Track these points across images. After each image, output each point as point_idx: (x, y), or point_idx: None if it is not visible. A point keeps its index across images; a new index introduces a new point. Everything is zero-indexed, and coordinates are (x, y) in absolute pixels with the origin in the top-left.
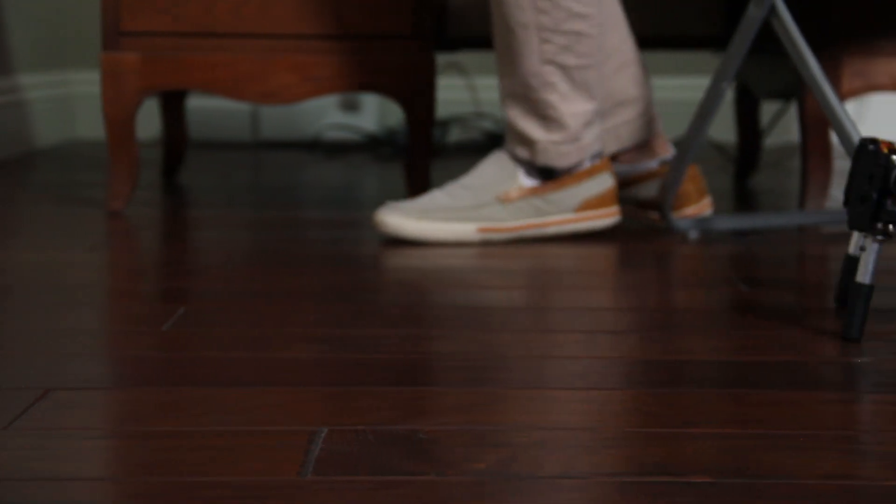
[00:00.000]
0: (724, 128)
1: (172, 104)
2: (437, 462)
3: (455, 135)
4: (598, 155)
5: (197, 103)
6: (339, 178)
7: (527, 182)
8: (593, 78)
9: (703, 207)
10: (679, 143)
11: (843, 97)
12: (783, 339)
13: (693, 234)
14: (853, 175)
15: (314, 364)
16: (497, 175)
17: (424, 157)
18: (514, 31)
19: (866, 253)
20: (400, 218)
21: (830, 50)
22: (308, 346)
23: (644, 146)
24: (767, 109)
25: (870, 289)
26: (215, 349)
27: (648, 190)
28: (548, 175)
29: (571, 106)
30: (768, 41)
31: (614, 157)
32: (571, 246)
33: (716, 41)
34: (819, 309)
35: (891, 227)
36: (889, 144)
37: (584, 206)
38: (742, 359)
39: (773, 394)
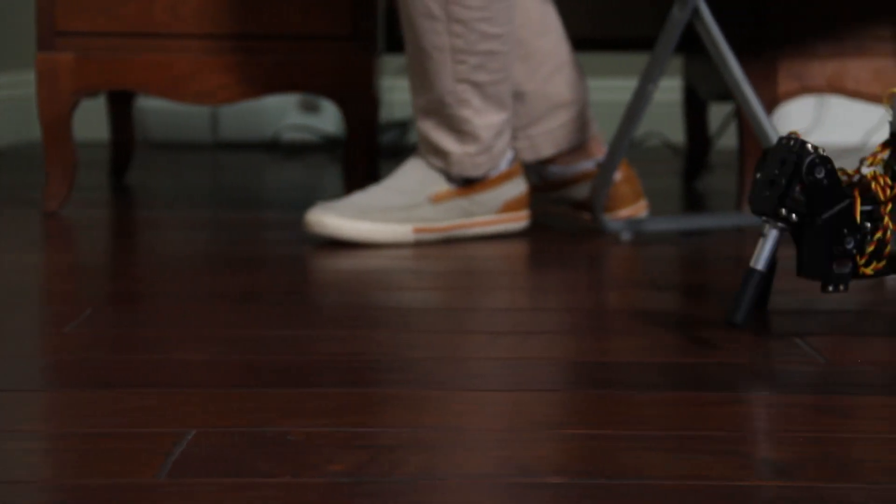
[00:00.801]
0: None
1: (120, 105)
2: (296, 464)
3: (415, 136)
4: (513, 159)
5: (156, 104)
6: (294, 178)
7: (450, 185)
8: (505, 90)
9: (638, 209)
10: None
11: (778, 99)
12: (678, 341)
13: (625, 236)
14: (763, 162)
15: (202, 366)
16: (425, 177)
17: (364, 158)
18: (429, 54)
19: (764, 239)
20: (337, 218)
21: (766, 52)
22: (202, 347)
23: (580, 148)
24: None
25: (761, 275)
26: (107, 351)
27: (584, 191)
28: (465, 181)
29: (485, 119)
30: None
31: (551, 160)
32: (501, 246)
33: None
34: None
35: (794, 215)
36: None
37: (505, 208)
38: (638, 360)
39: (659, 395)
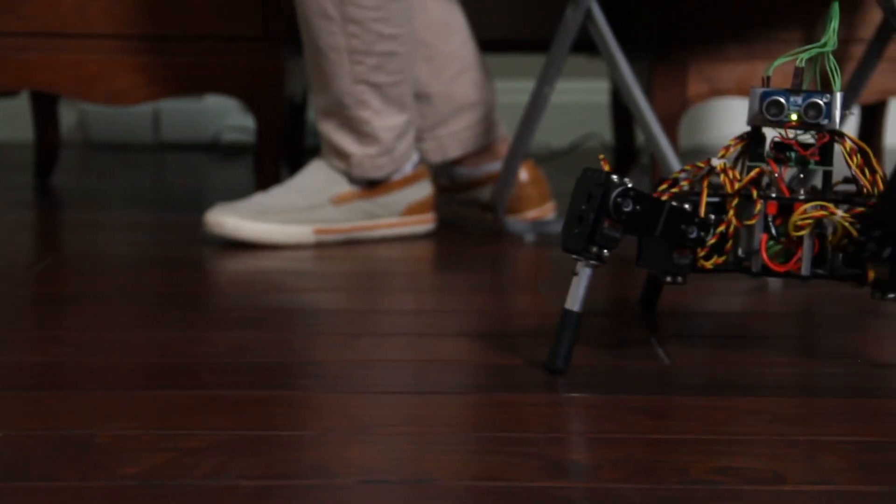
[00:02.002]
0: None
1: (44, 105)
2: (90, 466)
3: None
4: (418, 162)
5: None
6: (230, 179)
7: (353, 187)
8: (405, 91)
9: (545, 211)
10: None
11: (689, 101)
12: (537, 343)
13: (529, 238)
14: (573, 195)
15: (48, 367)
16: (327, 178)
17: (273, 158)
18: (325, 54)
19: (577, 278)
20: (237, 219)
21: (677, 54)
22: (56, 349)
23: (487, 149)
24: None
25: (578, 317)
26: None
27: (490, 193)
28: (368, 183)
29: (385, 120)
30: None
31: (458, 161)
32: (405, 248)
33: (594, 45)
34: (595, 313)
35: (605, 251)
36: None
37: (408, 211)
38: (495, 362)
39: (497, 397)
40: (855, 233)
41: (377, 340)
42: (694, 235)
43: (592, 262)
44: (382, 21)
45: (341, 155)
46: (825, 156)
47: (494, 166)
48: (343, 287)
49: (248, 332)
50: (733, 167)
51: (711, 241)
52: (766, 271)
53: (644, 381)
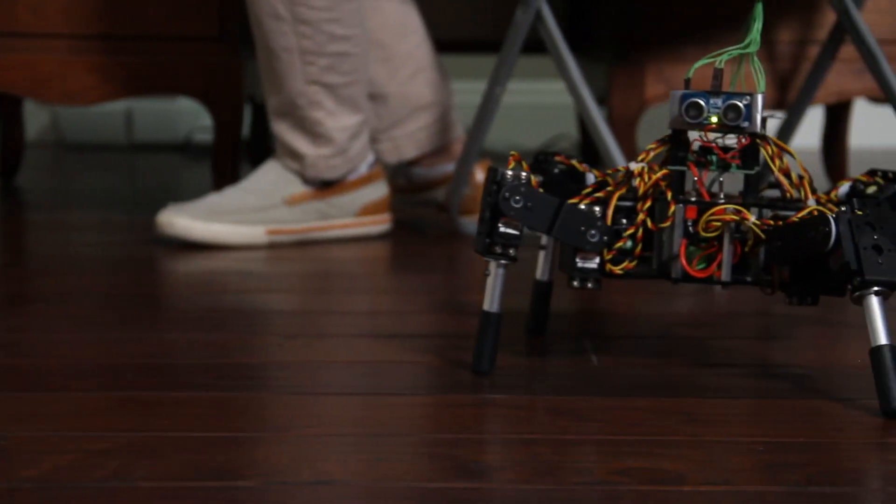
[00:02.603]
0: None
1: (7, 105)
2: None
3: None
4: (374, 163)
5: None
6: (199, 179)
7: (306, 187)
8: (359, 92)
9: None
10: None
11: (646, 102)
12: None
13: None
14: (482, 195)
15: None
16: (280, 178)
17: (231, 158)
18: (277, 55)
19: (491, 278)
20: (188, 220)
21: (634, 56)
22: None
23: (444, 150)
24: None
25: (497, 317)
26: None
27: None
28: (322, 184)
29: (338, 121)
30: (582, 46)
31: (414, 162)
32: (359, 249)
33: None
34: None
35: (511, 250)
36: (564, 158)
37: (363, 212)
38: (431, 363)
39: (420, 398)
40: (763, 237)
41: (309, 341)
42: (595, 239)
43: (501, 261)
44: (334, 22)
45: (295, 155)
46: (748, 159)
47: (451, 167)
48: (293, 288)
49: (190, 334)
50: (649, 170)
51: (619, 244)
52: (686, 277)
53: (569, 383)
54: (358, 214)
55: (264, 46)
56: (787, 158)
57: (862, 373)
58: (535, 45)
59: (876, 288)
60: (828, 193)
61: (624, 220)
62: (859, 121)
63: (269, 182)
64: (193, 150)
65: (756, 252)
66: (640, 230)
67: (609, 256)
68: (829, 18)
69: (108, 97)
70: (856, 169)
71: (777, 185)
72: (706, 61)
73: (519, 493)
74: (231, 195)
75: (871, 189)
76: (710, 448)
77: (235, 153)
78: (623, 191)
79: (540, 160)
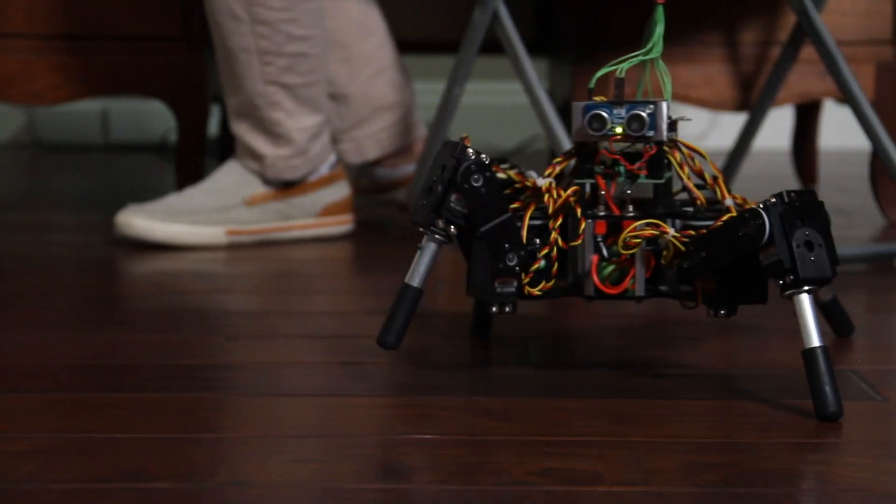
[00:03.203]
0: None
1: None
2: None
3: None
4: (336, 163)
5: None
6: (171, 180)
7: (267, 188)
8: (319, 92)
9: None
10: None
11: None
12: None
13: None
14: (430, 168)
15: None
16: (240, 179)
17: (195, 158)
18: (235, 55)
19: (421, 253)
20: (147, 220)
21: (598, 56)
22: None
23: (406, 150)
24: None
25: (416, 292)
26: None
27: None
28: (283, 184)
29: (298, 121)
30: (550, 47)
31: (377, 162)
32: (320, 249)
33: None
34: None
35: (452, 227)
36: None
37: (325, 212)
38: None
39: (349, 399)
40: (683, 249)
41: (259, 342)
42: (514, 262)
43: (438, 237)
44: (292, 22)
45: (255, 156)
46: (655, 168)
47: (414, 167)
48: (252, 289)
49: (144, 334)
50: (557, 186)
51: (535, 265)
52: (599, 294)
53: (505, 384)
54: (319, 215)
55: (223, 47)
56: (698, 160)
57: (789, 373)
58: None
59: (808, 287)
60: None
61: (537, 240)
62: (829, 122)
63: (228, 182)
64: (169, 151)
65: (672, 263)
66: (555, 249)
67: (527, 279)
68: (791, 20)
69: (72, 97)
70: (825, 170)
71: (686, 192)
72: (608, 69)
73: (432, 494)
74: (191, 195)
75: None
76: (632, 448)
77: (199, 153)
78: (533, 209)
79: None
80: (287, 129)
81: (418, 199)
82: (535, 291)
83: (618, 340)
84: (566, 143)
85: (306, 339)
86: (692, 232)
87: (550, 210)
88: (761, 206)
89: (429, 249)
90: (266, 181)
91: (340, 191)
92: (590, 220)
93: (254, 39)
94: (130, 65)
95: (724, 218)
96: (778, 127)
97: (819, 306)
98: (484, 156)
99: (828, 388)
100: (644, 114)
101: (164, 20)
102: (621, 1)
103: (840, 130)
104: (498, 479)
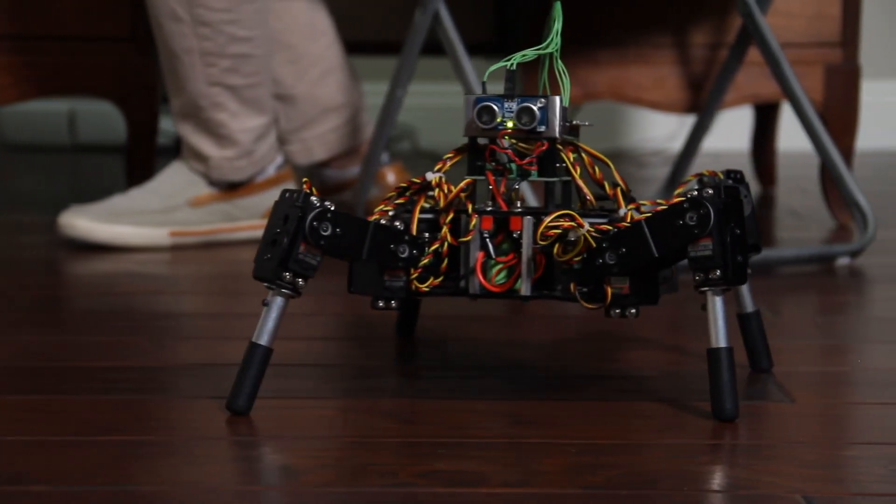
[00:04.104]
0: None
1: None
2: None
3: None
4: (282, 164)
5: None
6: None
7: (212, 189)
8: (263, 93)
9: None
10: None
11: None
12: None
13: None
14: (269, 218)
15: None
16: (185, 180)
17: (145, 159)
18: (178, 56)
19: (267, 309)
20: (90, 221)
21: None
22: None
23: (355, 152)
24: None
25: (265, 352)
26: None
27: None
28: (229, 185)
29: (242, 123)
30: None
31: (325, 163)
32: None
33: (486, 48)
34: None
35: (301, 281)
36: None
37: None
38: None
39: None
40: (594, 245)
41: (179, 343)
42: (406, 255)
43: (285, 291)
44: (234, 23)
45: (200, 157)
46: (547, 166)
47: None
48: (193, 290)
49: (80, 336)
50: (448, 181)
51: (425, 261)
52: (484, 293)
53: (416, 385)
54: (265, 216)
55: (165, 48)
56: (600, 167)
57: (702, 374)
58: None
59: (728, 287)
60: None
61: (426, 235)
62: (789, 124)
63: (173, 183)
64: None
65: (573, 261)
66: (445, 244)
67: (416, 274)
68: (740, 22)
69: (21, 98)
70: (785, 172)
71: (578, 191)
72: (502, 64)
73: (312, 495)
74: (135, 196)
75: None
76: (524, 450)
77: (149, 154)
78: (423, 203)
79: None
80: (231, 131)
81: (261, 253)
82: (423, 287)
83: (541, 342)
84: None
85: (241, 342)
86: (608, 227)
87: (441, 204)
88: (704, 196)
89: (276, 305)
90: (211, 182)
91: None
92: (476, 216)
93: (196, 41)
94: (79, 66)
95: (659, 209)
96: (739, 128)
97: (739, 318)
98: (328, 203)
99: (727, 390)
100: (535, 107)
101: (113, 21)
102: (572, 2)
103: (800, 132)
104: (383, 481)
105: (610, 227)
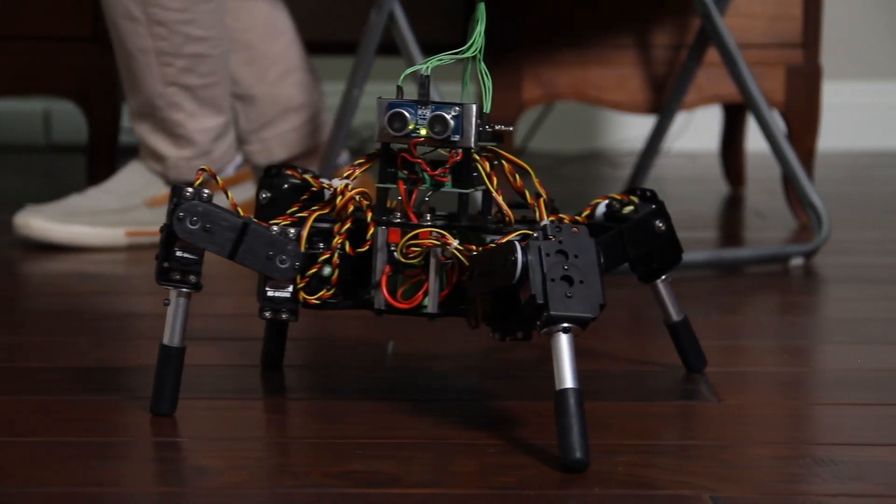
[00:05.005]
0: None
1: None
2: None
3: None
4: (241, 164)
5: None
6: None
7: (169, 189)
8: (220, 93)
9: None
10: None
11: (524, 105)
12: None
13: None
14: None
15: None
16: (142, 180)
17: (106, 160)
18: (133, 56)
19: (170, 309)
20: (45, 221)
21: (511, 58)
22: None
23: (315, 152)
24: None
25: (179, 352)
26: None
27: None
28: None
29: (199, 123)
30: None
31: (286, 163)
32: None
33: (456, 48)
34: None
35: (192, 276)
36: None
37: None
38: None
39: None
40: (467, 263)
41: (123, 344)
42: (285, 266)
43: (182, 288)
44: (190, 23)
45: (157, 157)
46: (462, 177)
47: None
48: (150, 290)
49: (35, 337)
50: (353, 188)
51: (313, 270)
52: (389, 308)
53: (354, 386)
54: None
55: (121, 47)
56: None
57: (623, 376)
58: (444, 48)
59: (564, 325)
60: (580, 214)
61: (321, 245)
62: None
63: (130, 183)
64: (128, 151)
65: (462, 279)
66: (337, 255)
67: (302, 284)
68: (700, 22)
69: None
70: (755, 173)
71: (518, 204)
72: (418, 67)
73: (219, 496)
74: (92, 196)
75: (628, 209)
76: (444, 450)
77: (110, 154)
78: (323, 211)
79: (271, 174)
80: (188, 131)
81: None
82: (313, 300)
83: (468, 343)
84: None
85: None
86: (473, 247)
87: (335, 212)
88: (519, 239)
89: (178, 304)
90: (169, 182)
91: (246, 192)
92: (382, 228)
93: (151, 40)
94: (41, 65)
95: (501, 241)
96: (715, 130)
97: (668, 327)
98: (206, 191)
99: (575, 434)
100: (448, 116)
101: (74, 21)
102: (535, 4)
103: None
104: (295, 482)
105: (475, 248)
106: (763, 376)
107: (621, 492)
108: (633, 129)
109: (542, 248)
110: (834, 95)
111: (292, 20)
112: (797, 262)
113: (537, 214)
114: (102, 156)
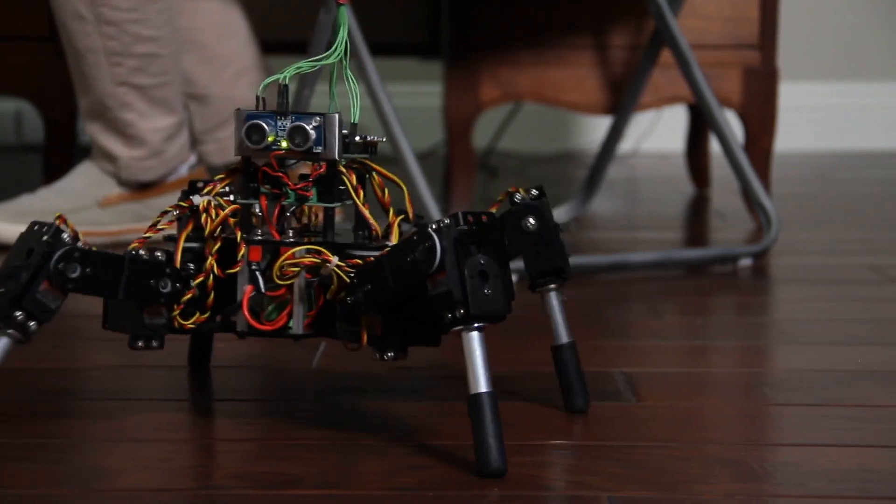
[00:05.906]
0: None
1: None
2: None
3: None
4: (195, 164)
5: None
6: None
7: (122, 189)
8: (172, 93)
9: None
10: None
11: (482, 105)
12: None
13: None
14: (12, 248)
15: None
16: (94, 180)
17: (62, 160)
18: (83, 56)
19: None
20: None
21: (469, 59)
22: None
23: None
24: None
25: None
26: None
27: None
28: (140, 185)
29: (151, 123)
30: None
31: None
32: None
33: (422, 48)
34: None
35: (33, 324)
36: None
37: None
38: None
39: (94, 404)
40: (348, 280)
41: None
42: (168, 290)
43: (10, 331)
44: (139, 23)
45: (109, 157)
46: (327, 191)
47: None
48: None
49: None
50: (218, 205)
51: (188, 295)
52: (252, 331)
53: (283, 387)
54: None
55: (71, 47)
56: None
57: (538, 375)
58: (409, 48)
59: (479, 324)
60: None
61: (192, 266)
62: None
63: (82, 183)
64: (84, 151)
65: (338, 298)
66: (211, 277)
67: (178, 311)
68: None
69: None
70: (721, 173)
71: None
72: (274, 78)
73: (111, 498)
74: (43, 196)
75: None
76: (353, 451)
77: (67, 153)
78: (189, 230)
79: (197, 188)
80: (140, 131)
81: None
82: (189, 324)
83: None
84: (404, 144)
85: (122, 341)
86: (358, 261)
87: (206, 231)
88: (433, 227)
89: (2, 345)
90: (121, 182)
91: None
92: (245, 245)
93: (100, 40)
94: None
95: (384, 251)
96: (673, 130)
97: (552, 350)
98: (81, 242)
99: (492, 441)
100: (308, 126)
101: (30, 20)
102: (493, 2)
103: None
104: (193, 483)
105: (360, 262)
106: (686, 377)
107: (521, 493)
108: (603, 130)
109: (458, 237)
110: (802, 97)
111: (247, 20)
112: (745, 262)
113: (393, 235)
114: (59, 155)
